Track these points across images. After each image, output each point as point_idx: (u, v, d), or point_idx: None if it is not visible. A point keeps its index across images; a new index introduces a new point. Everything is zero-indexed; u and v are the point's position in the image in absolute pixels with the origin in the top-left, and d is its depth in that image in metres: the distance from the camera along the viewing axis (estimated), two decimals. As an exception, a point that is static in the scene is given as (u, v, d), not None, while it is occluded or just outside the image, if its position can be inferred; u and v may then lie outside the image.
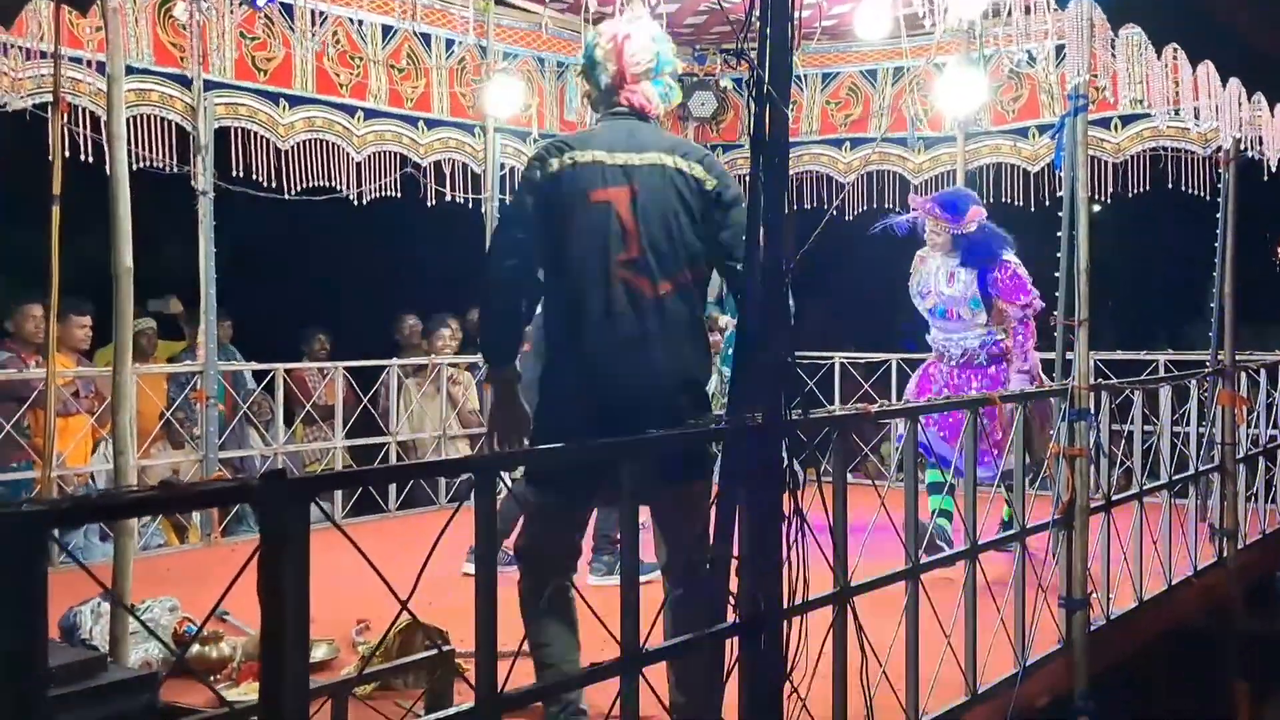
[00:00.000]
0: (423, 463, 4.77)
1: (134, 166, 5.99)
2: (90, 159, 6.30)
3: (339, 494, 7.56)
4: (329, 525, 2.35)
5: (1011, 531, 4.58)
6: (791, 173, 3.42)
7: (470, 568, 5.62)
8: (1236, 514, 6.52)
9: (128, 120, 6.30)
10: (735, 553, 3.11)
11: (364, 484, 5.40)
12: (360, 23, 7.72)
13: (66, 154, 4.56)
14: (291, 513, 1.95)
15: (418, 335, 9.16)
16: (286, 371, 7.86)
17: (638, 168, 3.78)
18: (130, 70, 6.27)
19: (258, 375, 8.16)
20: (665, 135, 4.03)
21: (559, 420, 3.70)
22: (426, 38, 8.13)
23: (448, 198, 8.33)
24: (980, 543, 4.28)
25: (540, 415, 3.83)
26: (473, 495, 2.45)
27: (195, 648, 4.44)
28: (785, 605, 3.13)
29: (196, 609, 4.85)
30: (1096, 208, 9.89)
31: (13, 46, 6.19)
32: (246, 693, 4.06)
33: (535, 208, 3.80)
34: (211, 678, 4.35)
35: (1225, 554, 6.41)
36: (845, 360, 9.46)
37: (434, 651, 3.58)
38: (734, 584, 3.10)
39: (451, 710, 2.42)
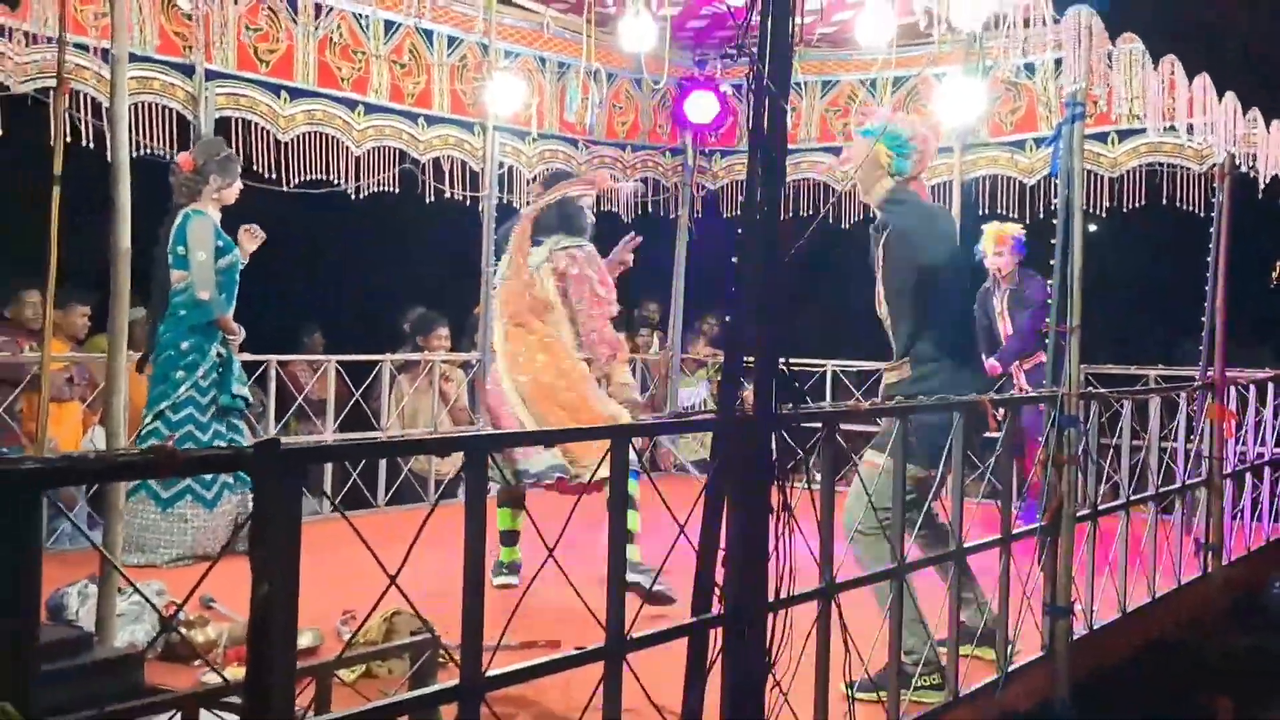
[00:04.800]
0: (412, 440, 4.79)
1: (134, 154, 6.00)
2: (91, 144, 6.32)
3: (328, 488, 7.57)
4: (318, 518, 2.36)
5: (997, 536, 4.59)
6: (789, 178, 3.47)
7: (499, 579, 5.58)
8: (1222, 529, 6.55)
9: (130, 108, 6.31)
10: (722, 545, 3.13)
11: (356, 457, 5.41)
12: (364, 17, 7.74)
13: (67, 139, 4.56)
14: (285, 481, 1.97)
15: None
16: (279, 364, 7.87)
17: None
18: (133, 58, 6.28)
19: (250, 367, 8.14)
20: None
21: None
22: (429, 34, 8.15)
23: (446, 195, 8.35)
24: (965, 545, 4.30)
25: None
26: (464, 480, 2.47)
27: (181, 631, 4.44)
28: (770, 599, 3.16)
29: (184, 596, 4.85)
30: (1093, 227, 9.94)
31: (16, 30, 6.21)
32: (232, 677, 4.06)
33: None
34: (197, 662, 4.35)
35: (1210, 569, 6.43)
36: (838, 368, 9.50)
37: (419, 637, 3.58)
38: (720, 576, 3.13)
39: (435, 687, 2.44)
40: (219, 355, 6.48)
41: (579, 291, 5.68)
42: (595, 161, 9.34)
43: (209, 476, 6.38)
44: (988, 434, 4.77)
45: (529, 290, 5.70)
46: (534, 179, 6.28)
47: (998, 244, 7.89)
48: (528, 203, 8.90)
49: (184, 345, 6.39)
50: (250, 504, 6.45)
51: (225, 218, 6.67)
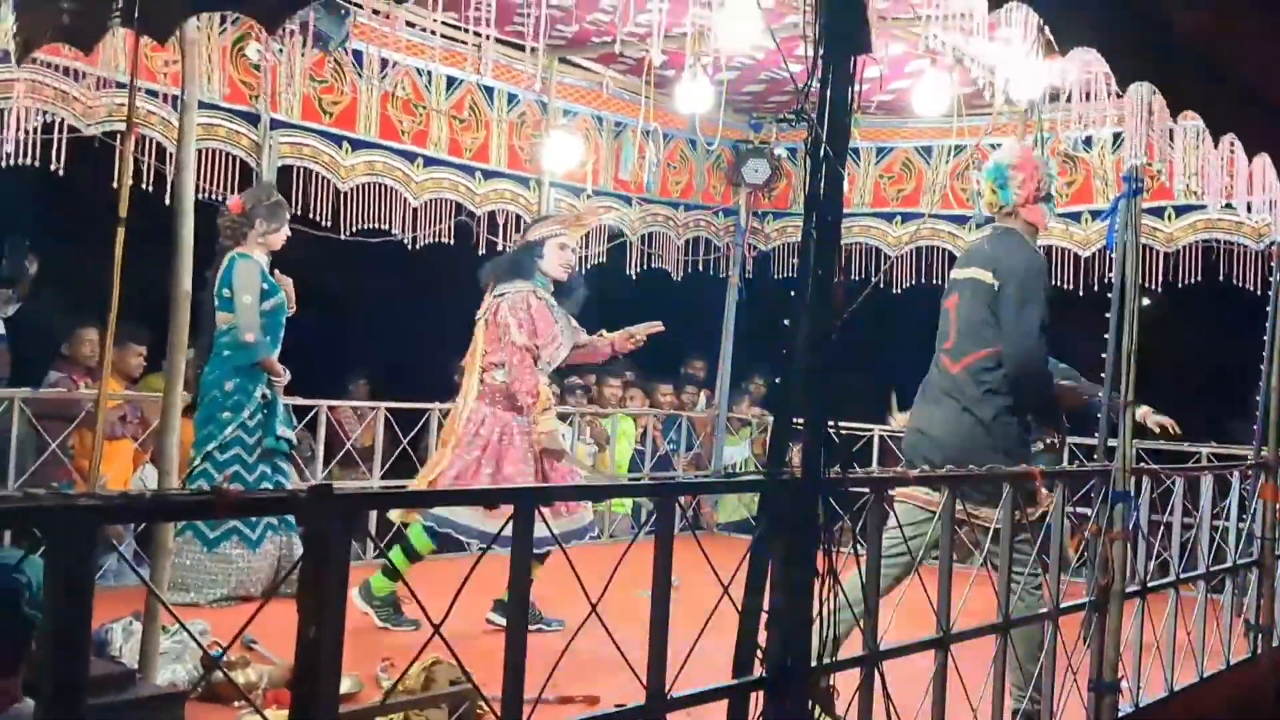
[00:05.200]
0: (462, 491, 4.80)
1: (198, 198, 6.11)
2: (151, 188, 6.44)
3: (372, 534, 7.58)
4: (359, 564, 2.37)
5: (1044, 610, 4.54)
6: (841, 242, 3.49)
7: (496, 618, 5.77)
8: (1273, 611, 6.43)
9: (194, 153, 6.43)
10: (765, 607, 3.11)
11: (406, 506, 5.45)
12: (426, 73, 7.86)
13: (131, 181, 4.65)
14: (335, 527, 1.98)
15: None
16: (328, 409, 7.93)
17: None
18: (200, 105, 6.41)
19: (298, 412, 8.18)
20: None
21: None
22: (489, 90, 8.27)
23: (499, 247, 8.43)
24: (1013, 618, 4.25)
25: None
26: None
27: (225, 671, 4.45)
28: (813, 663, 3.14)
29: (226, 636, 4.88)
30: (1147, 301, 9.88)
31: (87, 74, 6.36)
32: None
33: None
34: (236, 703, 4.37)
35: (1259, 650, 6.32)
36: (885, 434, 9.44)
37: (459, 688, 3.58)
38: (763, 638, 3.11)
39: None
40: (264, 397, 6.53)
41: (498, 338, 5.94)
42: (648, 219, 9.42)
43: (255, 517, 6.42)
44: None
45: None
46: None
47: None
48: (581, 258, 9.04)
49: (228, 386, 6.44)
50: (293, 547, 6.53)
51: (278, 264, 6.75)
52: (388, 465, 8.04)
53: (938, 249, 9.32)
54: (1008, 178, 4.95)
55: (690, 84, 7.66)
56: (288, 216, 6.73)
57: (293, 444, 6.83)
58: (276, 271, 6.79)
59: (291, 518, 6.49)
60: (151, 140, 6.66)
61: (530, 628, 5.97)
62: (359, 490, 4.62)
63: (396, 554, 5.98)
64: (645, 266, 9.50)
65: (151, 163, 6.63)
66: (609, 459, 9.74)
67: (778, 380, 3.63)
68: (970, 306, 4.88)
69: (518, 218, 8.53)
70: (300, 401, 8.04)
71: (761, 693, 3.10)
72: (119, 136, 5.86)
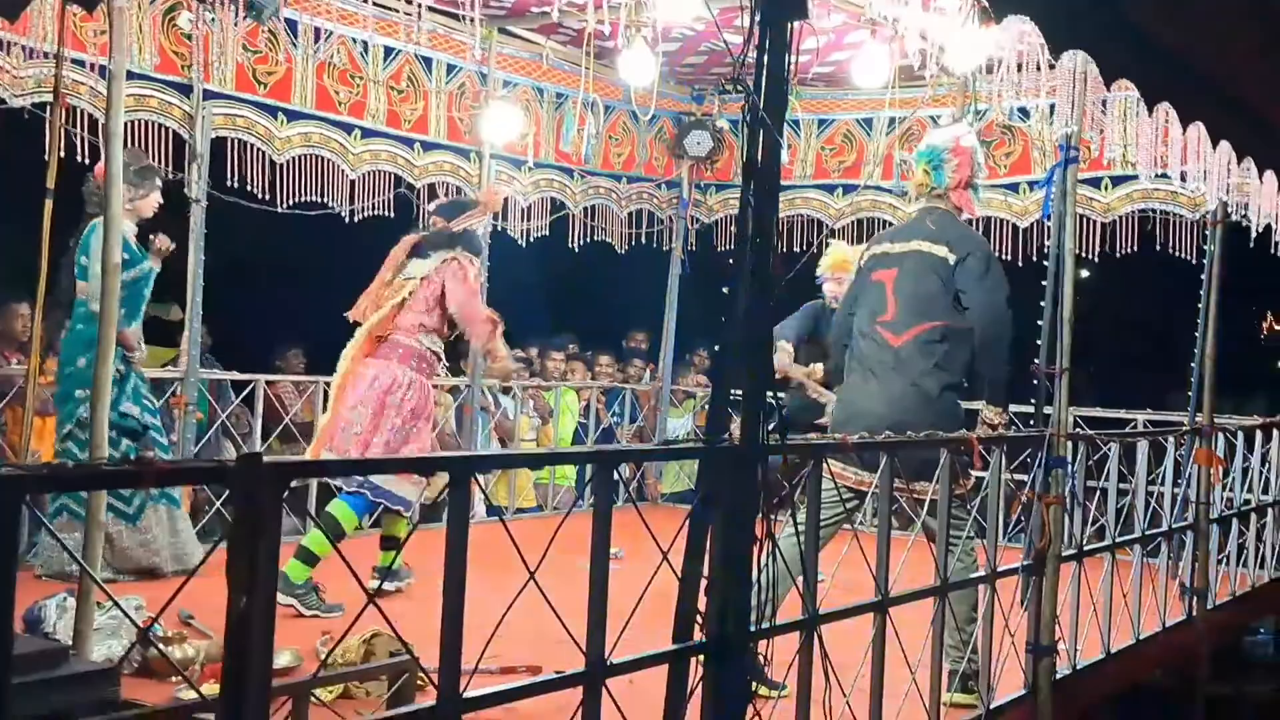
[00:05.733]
0: (396, 459, 4.77)
1: (129, 170, 5.99)
2: (86, 159, 6.32)
3: (313, 509, 7.51)
4: (300, 538, 2.35)
5: (982, 574, 4.59)
6: (782, 214, 3.51)
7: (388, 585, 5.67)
8: (1207, 574, 6.54)
9: (126, 125, 6.30)
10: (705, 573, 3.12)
11: (338, 474, 5.34)
12: (363, 43, 7.76)
13: (62, 154, 4.55)
14: (265, 496, 1.96)
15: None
16: (266, 384, 7.83)
17: None
18: (131, 75, 6.28)
19: (236, 386, 8.08)
20: None
21: None
22: (428, 61, 8.18)
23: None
24: (951, 581, 4.29)
25: None
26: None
27: (158, 645, 4.40)
28: (752, 628, 3.15)
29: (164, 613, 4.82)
30: (1085, 272, 9.99)
31: (14, 45, 6.22)
32: (207, 695, 4.03)
33: None
34: (172, 678, 4.33)
35: (1194, 613, 6.42)
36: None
37: (398, 659, 3.57)
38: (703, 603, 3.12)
39: (411, 707, 2.42)
40: (118, 372, 6.09)
41: (433, 299, 6.09)
42: (590, 191, 9.39)
43: (128, 492, 6.12)
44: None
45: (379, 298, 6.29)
46: (433, 205, 6.62)
47: (837, 271, 6.72)
48: (523, 231, 9.01)
49: (80, 362, 6.04)
50: (174, 519, 6.30)
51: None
52: (328, 440, 7.96)
53: (878, 220, 9.35)
54: (943, 160, 5.02)
55: (633, 55, 7.62)
56: (159, 182, 6.42)
57: (141, 423, 6.43)
58: (163, 235, 6.51)
59: (176, 492, 6.37)
60: (82, 112, 6.53)
61: (307, 613, 6.01)
62: (288, 459, 4.56)
63: (315, 537, 5.52)
64: (588, 239, 9.47)
65: (85, 135, 6.49)
66: (552, 432, 9.72)
67: (716, 349, 3.63)
68: (916, 280, 4.90)
69: (459, 190, 8.44)
70: (238, 376, 7.95)
71: (701, 658, 3.11)
72: (48, 108, 5.75)
